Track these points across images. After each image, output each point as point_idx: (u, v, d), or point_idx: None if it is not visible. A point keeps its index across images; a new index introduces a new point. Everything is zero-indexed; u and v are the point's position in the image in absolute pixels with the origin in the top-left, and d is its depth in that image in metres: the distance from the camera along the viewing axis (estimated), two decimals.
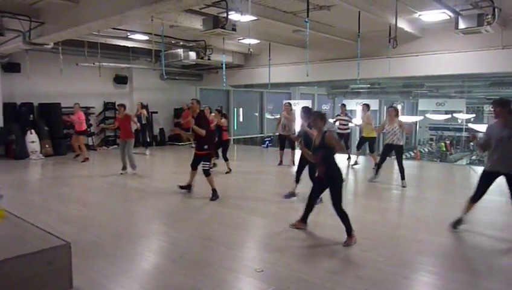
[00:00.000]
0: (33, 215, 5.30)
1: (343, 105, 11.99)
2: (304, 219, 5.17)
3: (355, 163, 10.66)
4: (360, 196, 7.80)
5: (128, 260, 4.27)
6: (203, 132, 6.77)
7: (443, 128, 31.35)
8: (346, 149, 11.68)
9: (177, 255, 4.38)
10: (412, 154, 30.17)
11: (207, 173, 6.94)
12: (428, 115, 28.77)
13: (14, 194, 6.98)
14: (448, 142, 31.68)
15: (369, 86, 20.96)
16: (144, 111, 13.43)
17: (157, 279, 3.92)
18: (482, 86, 19.38)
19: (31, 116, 12.69)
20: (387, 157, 8.27)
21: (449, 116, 27.88)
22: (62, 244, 2.88)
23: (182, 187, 7.38)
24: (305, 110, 6.60)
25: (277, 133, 11.13)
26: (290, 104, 10.89)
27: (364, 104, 10.63)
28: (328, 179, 4.72)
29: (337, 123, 11.35)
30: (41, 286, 2.73)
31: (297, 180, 6.91)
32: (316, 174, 5.00)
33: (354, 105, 19.45)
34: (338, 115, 11.59)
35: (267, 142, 17.27)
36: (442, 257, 4.45)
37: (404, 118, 31.14)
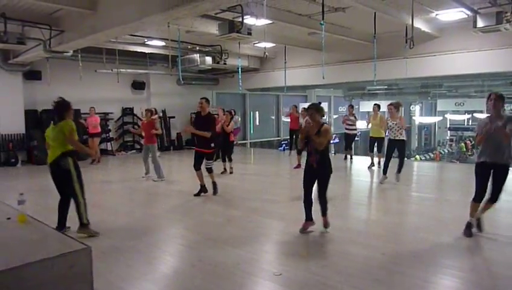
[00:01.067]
0: (54, 220, 5.39)
1: (351, 106, 12.04)
2: (308, 218, 5.18)
3: (372, 165, 10.51)
4: (378, 198, 7.71)
5: (146, 264, 4.31)
6: (207, 134, 6.97)
7: (463, 129, 30.80)
8: (349, 150, 11.73)
9: (195, 259, 4.40)
10: (432, 155, 29.71)
11: (210, 170, 7.27)
12: (447, 116, 28.29)
13: (35, 199, 7.11)
14: (468, 142, 31.07)
15: (386, 87, 20.75)
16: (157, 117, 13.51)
17: (176, 283, 3.94)
18: (502, 85, 18.94)
19: (52, 122, 12.90)
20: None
21: (469, 116, 27.36)
22: (83, 248, 2.92)
23: (198, 194, 7.37)
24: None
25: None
26: (305, 109, 10.86)
27: (375, 105, 10.59)
28: (319, 169, 4.96)
29: (345, 124, 11.45)
30: (64, 289, 2.77)
31: None
32: (306, 163, 5.12)
33: (371, 107, 19.27)
34: (346, 116, 11.65)
35: (284, 145, 17.24)
36: (465, 260, 4.36)
37: (422, 119, 30.84)
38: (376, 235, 5.09)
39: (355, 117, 11.57)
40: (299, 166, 10.55)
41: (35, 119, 12.66)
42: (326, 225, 5.17)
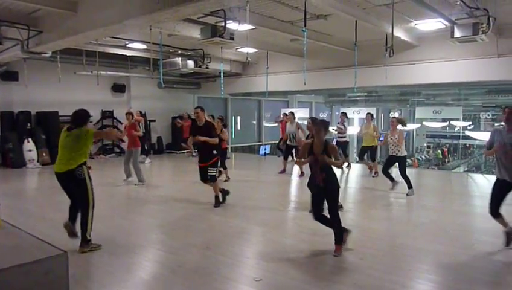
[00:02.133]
0: (30, 225, 5.28)
1: (343, 113, 11.99)
2: (339, 241, 4.71)
3: (375, 173, 10.33)
4: (356, 203, 7.79)
5: (125, 270, 4.25)
6: (216, 140, 6.79)
7: (440, 136, 31.47)
8: (345, 157, 11.76)
9: (175, 265, 4.36)
10: (410, 161, 30.24)
11: (213, 179, 6.90)
12: (425, 123, 28.87)
13: (10, 203, 6.93)
14: (445, 149, 31.79)
15: (366, 94, 21.07)
16: (142, 119, 13.42)
17: (155, 288, 3.90)
18: (478, 94, 19.55)
19: (29, 124, 12.66)
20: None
21: (446, 123, 28.00)
22: (59, 253, 2.87)
23: (217, 205, 6.93)
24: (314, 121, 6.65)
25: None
26: (292, 113, 10.85)
27: (368, 114, 10.66)
28: (327, 186, 4.67)
29: (335, 131, 11.45)
30: None
31: None
32: (312, 182, 4.82)
33: (352, 113, 19.54)
34: (338, 123, 11.65)
35: (265, 150, 17.29)
36: (442, 265, 4.45)
37: (400, 126, 31.42)
38: (354, 241, 5.14)
39: (344, 126, 11.52)
40: (283, 171, 10.57)
41: (11, 121, 12.34)
42: (337, 254, 4.62)
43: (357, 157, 10.93)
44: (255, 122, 22.93)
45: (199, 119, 6.84)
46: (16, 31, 8.95)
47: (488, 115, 23.15)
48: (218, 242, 5.14)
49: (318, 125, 4.72)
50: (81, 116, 4.97)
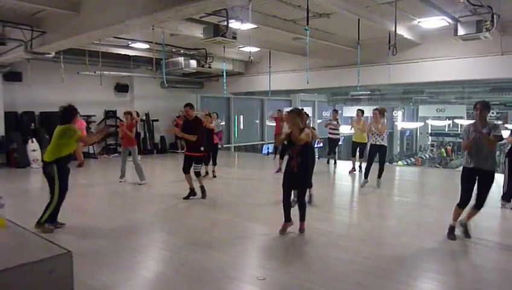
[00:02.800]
0: (34, 224, 5.31)
1: (336, 111, 12.18)
2: (287, 219, 5.31)
3: (353, 170, 10.58)
4: (360, 202, 7.78)
5: (128, 269, 4.26)
6: (193, 137, 7.15)
7: (444, 135, 31.38)
8: (333, 154, 11.87)
9: (178, 264, 4.37)
10: (413, 160, 30.17)
11: (198, 174, 7.43)
12: (428, 121, 28.79)
13: (15, 203, 6.96)
14: (449, 148, 31.66)
15: (369, 92, 21.03)
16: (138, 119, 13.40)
17: (158, 288, 3.90)
18: (482, 92, 19.42)
19: (32, 124, 12.72)
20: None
21: (450, 122, 27.90)
22: (63, 252, 2.87)
23: (187, 197, 7.40)
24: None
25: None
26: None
27: (358, 110, 10.72)
28: (299, 174, 5.10)
29: (327, 128, 11.55)
30: None
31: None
32: (287, 166, 5.23)
33: (354, 112, 19.46)
34: (330, 120, 11.75)
35: (268, 149, 17.28)
36: (447, 264, 4.43)
37: (404, 124, 31.35)
38: (358, 239, 5.14)
39: (337, 122, 11.68)
40: (279, 170, 10.55)
41: (15, 121, 12.41)
42: (303, 230, 5.28)
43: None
44: (257, 121, 22.93)
45: (189, 116, 7.35)
46: (20, 32, 8.98)
47: (492, 112, 23.02)
48: (220, 241, 5.14)
49: (291, 113, 5.18)
50: (68, 112, 5.42)
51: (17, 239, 3.25)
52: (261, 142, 22.50)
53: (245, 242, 5.23)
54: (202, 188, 7.44)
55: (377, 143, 8.08)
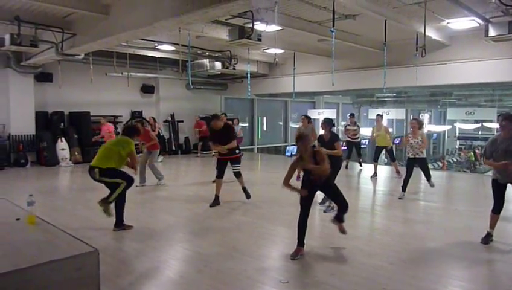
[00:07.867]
0: (63, 221, 5.43)
1: (352, 115, 11.86)
2: (301, 243, 4.71)
3: (375, 175, 10.35)
4: (386, 207, 7.63)
5: (153, 268, 4.31)
6: (233, 144, 7.01)
7: (472, 138, 30.55)
8: (358, 157, 11.62)
9: (202, 264, 4.39)
10: (440, 164, 29.47)
11: (239, 174, 7.26)
12: (457, 124, 28.09)
13: (45, 201, 7.16)
14: (478, 151, 30.74)
15: (395, 94, 20.69)
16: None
17: (181, 288, 3.93)
18: None
19: (62, 124, 13.09)
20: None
21: (479, 125, 27.14)
22: (91, 250, 2.92)
23: (212, 205, 7.06)
24: (327, 122, 6.75)
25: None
26: (306, 117, 10.20)
27: (378, 115, 10.59)
28: (324, 181, 4.72)
29: (346, 135, 11.34)
30: None
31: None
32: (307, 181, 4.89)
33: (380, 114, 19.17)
34: (348, 125, 11.45)
35: (291, 151, 17.20)
36: (474, 271, 4.30)
37: (431, 127, 30.70)
38: (384, 244, 5.04)
39: (356, 125, 11.34)
40: (298, 177, 10.28)
41: (45, 120, 12.80)
42: (344, 231, 4.98)
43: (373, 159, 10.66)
44: (281, 123, 22.88)
45: (216, 127, 6.97)
46: (51, 34, 9.27)
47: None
48: (244, 243, 5.14)
49: (302, 142, 4.66)
50: (132, 129, 5.88)
51: (46, 236, 3.33)
52: (284, 144, 22.43)
53: (268, 244, 5.22)
54: (244, 189, 7.30)
55: (416, 156, 7.60)
